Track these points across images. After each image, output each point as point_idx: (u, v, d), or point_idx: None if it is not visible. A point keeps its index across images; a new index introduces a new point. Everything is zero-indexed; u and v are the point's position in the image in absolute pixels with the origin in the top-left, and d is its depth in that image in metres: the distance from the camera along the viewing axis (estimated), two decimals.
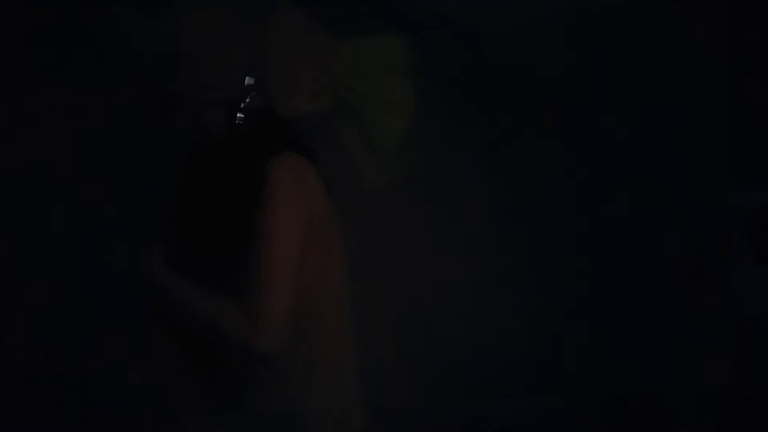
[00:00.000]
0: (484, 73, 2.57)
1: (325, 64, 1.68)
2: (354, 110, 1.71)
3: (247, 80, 1.56)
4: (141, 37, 1.52)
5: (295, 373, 1.54)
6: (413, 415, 2.32)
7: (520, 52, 2.56)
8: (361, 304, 1.66)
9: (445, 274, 2.57)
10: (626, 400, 2.48)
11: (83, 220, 2.19)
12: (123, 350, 2.15)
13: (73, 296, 2.19)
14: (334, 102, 1.68)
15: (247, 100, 1.56)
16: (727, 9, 2.57)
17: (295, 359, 1.54)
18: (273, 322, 1.45)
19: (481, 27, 2.56)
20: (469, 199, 2.66)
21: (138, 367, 2.13)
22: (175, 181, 1.63)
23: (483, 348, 2.54)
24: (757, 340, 2.60)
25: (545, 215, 2.65)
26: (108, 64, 1.59)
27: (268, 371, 1.53)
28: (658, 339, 2.57)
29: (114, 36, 1.54)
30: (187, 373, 1.63)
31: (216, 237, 1.54)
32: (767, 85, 2.57)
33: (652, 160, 2.61)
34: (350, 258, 1.67)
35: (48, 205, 2.20)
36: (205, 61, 1.52)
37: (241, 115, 1.56)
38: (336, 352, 1.59)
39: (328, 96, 1.68)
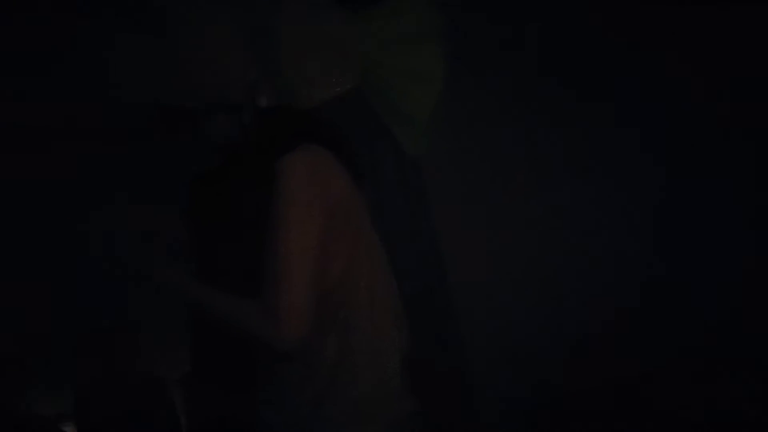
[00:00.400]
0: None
1: (345, 43, 1.65)
2: (385, 82, 1.67)
3: (252, 81, 1.54)
4: (138, 51, 1.49)
5: (327, 366, 1.54)
6: None
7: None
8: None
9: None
10: None
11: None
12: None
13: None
14: (364, 77, 1.64)
15: (253, 100, 1.55)
16: None
17: (326, 353, 1.53)
18: (292, 318, 1.44)
19: None
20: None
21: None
22: (190, 188, 1.63)
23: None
24: None
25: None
26: (106, 80, 1.58)
27: (298, 366, 1.53)
28: None
29: (111, 52, 1.54)
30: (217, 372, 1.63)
31: (236, 240, 1.53)
32: None
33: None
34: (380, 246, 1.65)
35: (58, 217, 2.21)
36: (207, 68, 1.48)
37: (247, 118, 1.54)
38: (371, 343, 1.57)
39: (355, 74, 1.64)
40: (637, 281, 2.60)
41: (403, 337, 1.65)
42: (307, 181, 1.48)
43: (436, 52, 1.77)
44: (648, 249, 2.62)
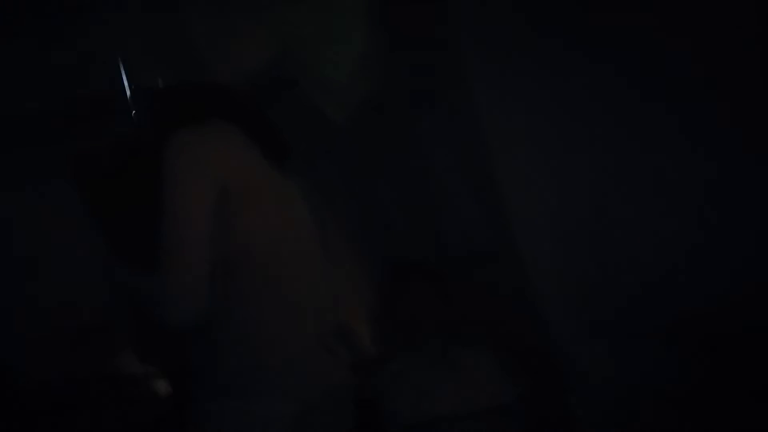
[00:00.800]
0: None
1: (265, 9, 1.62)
2: (305, 44, 1.63)
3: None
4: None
5: (234, 338, 1.55)
6: None
7: None
8: None
9: None
10: None
11: None
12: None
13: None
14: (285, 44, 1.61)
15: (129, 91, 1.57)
16: None
17: (232, 321, 1.55)
18: (179, 295, 1.46)
19: None
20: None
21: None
22: (83, 174, 1.63)
23: None
24: None
25: None
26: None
27: (203, 336, 1.55)
28: None
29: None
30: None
31: (141, 221, 1.55)
32: None
33: None
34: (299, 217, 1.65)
35: None
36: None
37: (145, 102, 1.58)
38: (278, 314, 1.57)
39: (277, 42, 1.61)
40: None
41: (326, 309, 1.66)
42: (190, 160, 1.48)
43: (356, 13, 1.71)
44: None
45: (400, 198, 2.67)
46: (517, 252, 2.46)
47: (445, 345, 2.45)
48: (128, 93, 1.60)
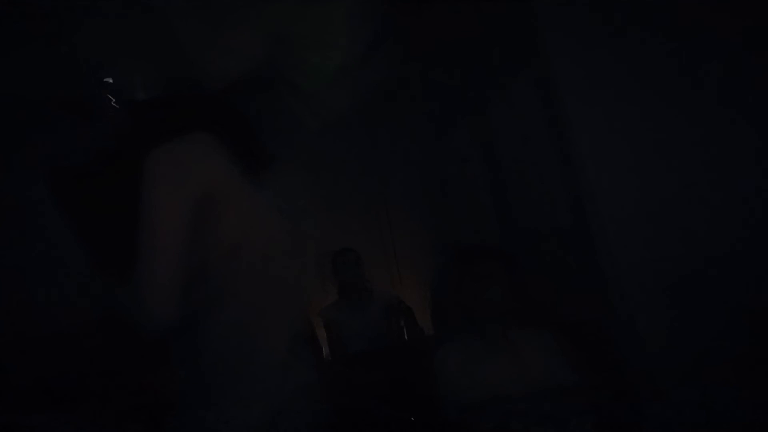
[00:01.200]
0: None
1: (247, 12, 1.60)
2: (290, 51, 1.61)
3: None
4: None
5: (214, 340, 1.56)
6: None
7: None
8: None
9: None
10: None
11: None
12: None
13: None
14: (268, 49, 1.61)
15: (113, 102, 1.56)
16: None
17: (211, 324, 1.56)
18: (154, 301, 1.46)
19: None
20: None
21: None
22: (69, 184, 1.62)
23: None
24: None
25: None
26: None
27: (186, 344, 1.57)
28: None
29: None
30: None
31: (117, 232, 1.55)
32: None
33: None
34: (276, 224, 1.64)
35: None
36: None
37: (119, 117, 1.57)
38: (258, 315, 1.58)
39: (260, 45, 1.62)
40: None
41: (301, 311, 1.69)
42: (169, 172, 1.48)
43: (339, 19, 1.67)
44: None
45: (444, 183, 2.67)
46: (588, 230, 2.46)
47: (503, 326, 2.46)
48: (109, 99, 1.58)
